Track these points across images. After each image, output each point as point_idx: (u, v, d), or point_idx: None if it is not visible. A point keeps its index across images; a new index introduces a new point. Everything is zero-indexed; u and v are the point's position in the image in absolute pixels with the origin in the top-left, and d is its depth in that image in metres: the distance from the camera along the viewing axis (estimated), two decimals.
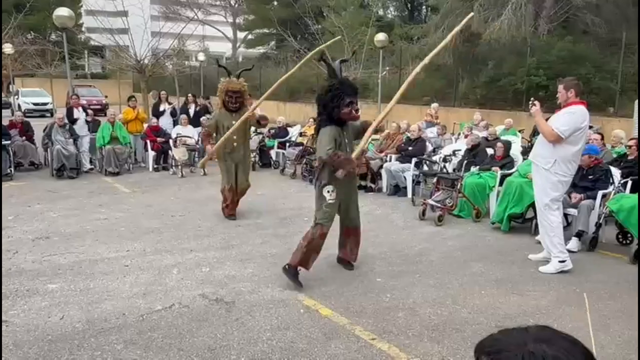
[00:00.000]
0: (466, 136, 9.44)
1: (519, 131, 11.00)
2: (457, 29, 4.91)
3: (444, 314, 3.96)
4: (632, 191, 6.05)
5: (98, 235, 5.89)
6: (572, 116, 4.63)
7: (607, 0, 17.26)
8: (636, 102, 11.37)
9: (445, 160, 7.75)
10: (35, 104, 24.19)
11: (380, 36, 14.97)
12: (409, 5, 30.77)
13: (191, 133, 10.97)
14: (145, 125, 11.05)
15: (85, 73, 37.33)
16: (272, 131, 11.68)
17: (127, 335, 3.53)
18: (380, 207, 7.58)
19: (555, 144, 4.66)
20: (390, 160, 8.85)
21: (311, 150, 9.29)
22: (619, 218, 5.51)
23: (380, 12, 28.87)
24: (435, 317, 3.90)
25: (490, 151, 7.78)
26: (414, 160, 8.30)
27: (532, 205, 5.68)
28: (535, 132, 9.12)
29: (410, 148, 8.68)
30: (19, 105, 22.58)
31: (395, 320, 3.82)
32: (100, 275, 4.64)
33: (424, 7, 30.45)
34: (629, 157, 6.75)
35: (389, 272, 4.86)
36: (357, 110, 4.41)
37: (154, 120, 11.21)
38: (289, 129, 11.83)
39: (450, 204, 6.82)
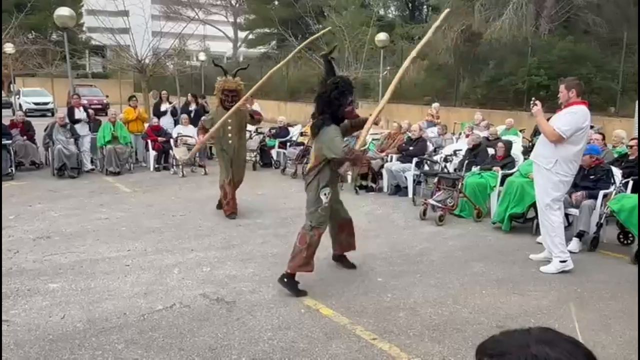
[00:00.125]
0: (467, 136, 9.43)
1: (520, 131, 11.00)
2: (435, 24, 4.93)
3: (444, 313, 3.95)
4: (633, 191, 6.05)
5: (99, 234, 5.89)
6: (573, 116, 4.63)
7: (608, 0, 17.24)
8: (637, 102, 11.36)
9: (446, 160, 7.74)
10: (36, 104, 24.22)
11: (381, 36, 14.96)
12: (409, 4, 30.78)
13: (192, 133, 10.96)
14: (146, 125, 11.06)
15: (86, 73, 37.36)
16: (273, 131, 11.68)
17: (128, 334, 3.53)
18: (381, 207, 7.57)
19: (557, 144, 4.65)
20: (391, 160, 8.84)
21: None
22: (620, 218, 5.50)
23: (381, 12, 28.90)
24: (436, 317, 3.90)
25: (491, 151, 7.78)
26: (414, 160, 8.29)
27: (533, 205, 5.67)
28: (536, 132, 9.11)
29: (411, 148, 8.67)
30: (20, 104, 22.61)
31: (396, 320, 3.82)
32: (101, 275, 4.64)
33: (425, 6, 30.47)
34: (630, 157, 6.75)
35: (389, 271, 4.86)
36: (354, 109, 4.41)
37: (155, 119, 11.23)
38: (289, 128, 11.82)
39: (451, 204, 6.81)
